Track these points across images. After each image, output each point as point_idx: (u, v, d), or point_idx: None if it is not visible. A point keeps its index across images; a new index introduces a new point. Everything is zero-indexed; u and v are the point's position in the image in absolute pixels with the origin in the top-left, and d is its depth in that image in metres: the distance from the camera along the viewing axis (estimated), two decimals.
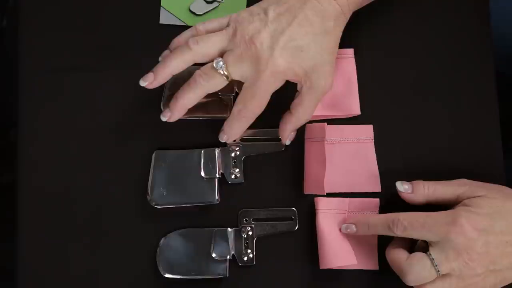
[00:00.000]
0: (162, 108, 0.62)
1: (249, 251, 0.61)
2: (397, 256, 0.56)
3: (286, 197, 0.63)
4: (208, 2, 0.66)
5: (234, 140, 0.63)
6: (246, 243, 0.61)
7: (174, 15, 0.65)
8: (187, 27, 0.65)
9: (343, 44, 0.65)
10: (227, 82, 0.57)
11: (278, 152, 0.63)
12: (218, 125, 0.63)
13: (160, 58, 0.60)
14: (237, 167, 0.62)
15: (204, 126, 0.63)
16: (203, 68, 0.57)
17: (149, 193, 0.61)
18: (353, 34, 0.65)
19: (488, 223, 0.54)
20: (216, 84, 0.57)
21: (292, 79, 0.57)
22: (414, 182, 0.59)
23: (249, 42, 0.55)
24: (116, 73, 0.64)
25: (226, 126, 0.59)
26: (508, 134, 0.66)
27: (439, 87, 0.65)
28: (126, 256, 0.62)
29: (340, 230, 0.61)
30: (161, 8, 0.66)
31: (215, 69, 0.56)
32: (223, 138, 0.59)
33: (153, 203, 0.61)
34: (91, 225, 0.62)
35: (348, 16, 0.59)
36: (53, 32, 0.65)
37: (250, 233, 0.61)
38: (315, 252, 0.61)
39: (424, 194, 0.58)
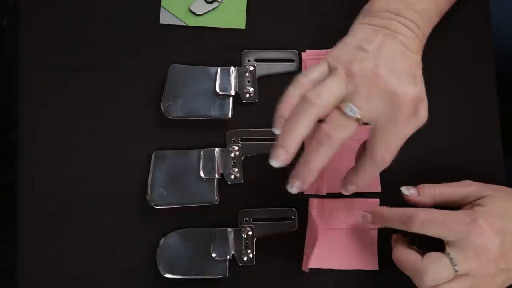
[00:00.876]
0: (162, 108, 0.62)
1: (249, 251, 0.61)
2: (412, 257, 0.55)
3: (286, 197, 0.62)
4: (208, 2, 0.66)
5: (234, 140, 0.63)
6: (246, 243, 0.61)
7: (174, 15, 0.65)
8: (187, 27, 0.65)
9: None
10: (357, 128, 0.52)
11: None
12: (218, 125, 0.63)
13: (275, 130, 0.54)
14: (236, 167, 0.62)
15: (204, 126, 0.63)
16: (332, 119, 0.51)
17: (149, 193, 0.61)
18: None
19: (502, 223, 0.54)
20: (350, 132, 0.51)
21: (417, 107, 0.52)
22: (419, 186, 0.59)
23: (374, 77, 0.51)
24: (116, 73, 0.64)
25: (358, 178, 0.54)
26: (508, 134, 0.66)
27: (439, 87, 0.64)
28: (126, 256, 0.62)
29: (329, 230, 0.61)
30: (161, 8, 0.66)
31: (347, 116, 0.51)
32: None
33: (153, 203, 0.61)
34: (91, 225, 0.62)
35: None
36: (53, 32, 0.65)
37: (250, 233, 0.61)
38: None
39: (430, 196, 0.58)
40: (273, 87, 0.64)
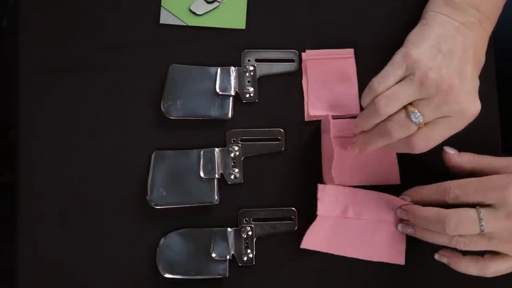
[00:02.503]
0: (162, 108, 0.62)
1: (249, 251, 0.61)
2: (434, 208, 0.56)
3: (286, 197, 0.63)
4: (208, 2, 0.66)
5: (234, 140, 0.63)
6: (246, 243, 0.61)
7: (174, 15, 0.65)
8: (187, 27, 0.65)
9: (343, 44, 0.65)
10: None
11: (278, 152, 0.63)
12: (218, 125, 0.63)
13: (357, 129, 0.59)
14: (236, 167, 0.62)
15: (204, 126, 0.63)
16: (397, 120, 0.55)
17: (149, 193, 0.61)
18: (353, 34, 0.65)
19: None
20: (409, 133, 0.55)
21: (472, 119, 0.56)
22: (461, 152, 0.60)
23: (448, 89, 0.53)
24: (116, 73, 0.64)
25: (390, 147, 0.58)
26: (508, 134, 0.66)
27: None
28: (126, 256, 0.62)
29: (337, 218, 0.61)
30: (161, 8, 0.66)
31: (412, 121, 0.54)
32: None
33: (153, 203, 0.61)
34: (91, 225, 0.62)
35: None
36: (53, 32, 0.65)
37: (250, 233, 0.61)
38: (315, 252, 0.61)
39: (469, 160, 0.59)
40: (273, 87, 0.64)
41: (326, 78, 0.64)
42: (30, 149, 0.63)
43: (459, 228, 0.53)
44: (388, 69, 0.56)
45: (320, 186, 0.61)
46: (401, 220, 0.61)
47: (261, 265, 0.62)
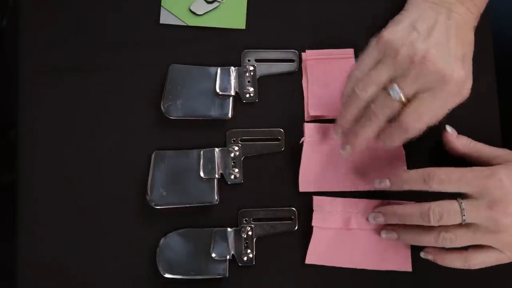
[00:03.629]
0: (162, 108, 0.62)
1: (249, 251, 0.61)
2: (415, 204, 0.56)
3: (286, 197, 0.63)
4: (208, 2, 0.66)
5: (234, 140, 0.63)
6: (246, 243, 0.61)
7: (174, 15, 0.65)
8: (187, 27, 0.65)
9: (343, 44, 0.65)
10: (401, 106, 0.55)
11: (277, 152, 0.63)
12: (218, 125, 0.63)
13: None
14: (236, 167, 0.62)
15: (204, 126, 0.63)
16: (378, 100, 0.55)
17: (149, 194, 0.61)
18: (353, 34, 0.65)
19: None
20: (394, 111, 0.55)
21: (461, 88, 0.55)
22: (459, 135, 0.60)
23: (422, 60, 0.53)
24: (116, 73, 0.64)
25: (379, 138, 0.57)
26: (508, 134, 0.66)
27: None
28: (126, 256, 0.62)
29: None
30: (161, 8, 0.66)
31: (393, 99, 0.54)
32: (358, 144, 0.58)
33: (153, 203, 0.61)
34: (91, 225, 0.62)
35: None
36: (53, 32, 0.65)
37: (250, 233, 0.61)
38: None
39: (465, 144, 0.59)
40: (273, 87, 0.64)
41: (326, 78, 0.64)
42: (30, 149, 0.63)
43: (443, 219, 0.54)
44: (362, 56, 0.57)
45: (315, 198, 0.62)
46: (383, 227, 0.60)
47: (261, 265, 0.62)
